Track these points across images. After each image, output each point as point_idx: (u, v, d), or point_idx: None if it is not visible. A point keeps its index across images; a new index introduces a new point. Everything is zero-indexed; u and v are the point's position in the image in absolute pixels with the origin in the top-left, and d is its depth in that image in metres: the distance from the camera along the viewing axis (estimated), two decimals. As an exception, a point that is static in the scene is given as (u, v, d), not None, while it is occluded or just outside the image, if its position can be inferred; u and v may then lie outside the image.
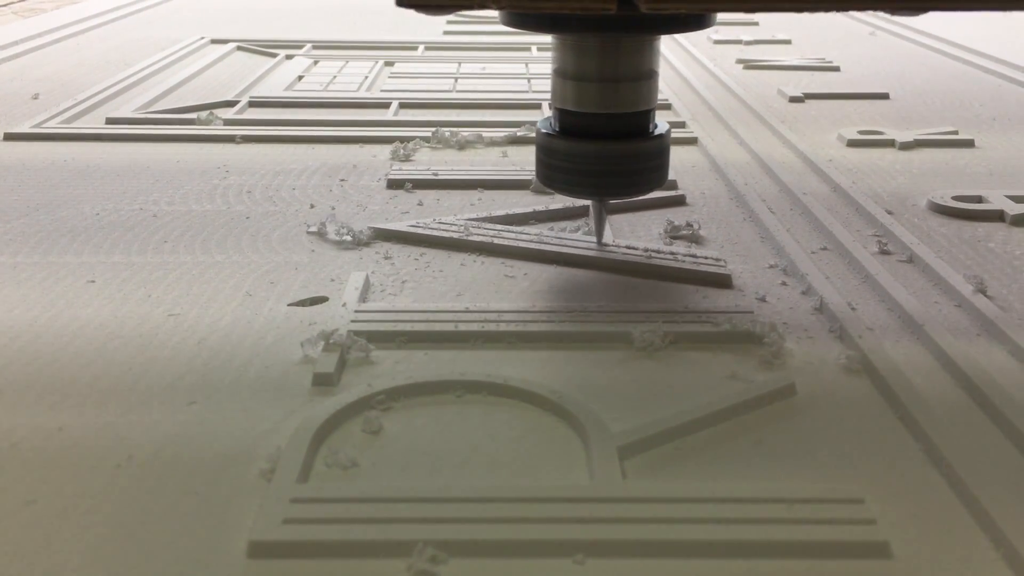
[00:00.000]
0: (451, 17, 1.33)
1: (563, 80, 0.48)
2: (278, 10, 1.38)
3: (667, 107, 0.85)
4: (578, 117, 0.47)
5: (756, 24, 1.29)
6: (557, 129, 0.49)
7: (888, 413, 0.37)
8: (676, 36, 1.18)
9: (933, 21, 1.25)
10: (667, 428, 0.36)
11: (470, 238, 0.53)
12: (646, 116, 0.48)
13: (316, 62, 1.03)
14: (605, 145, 0.47)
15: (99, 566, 0.29)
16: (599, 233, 0.52)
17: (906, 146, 0.73)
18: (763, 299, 0.47)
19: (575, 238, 0.54)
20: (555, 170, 0.49)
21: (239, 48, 1.10)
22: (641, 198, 0.60)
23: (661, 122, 0.49)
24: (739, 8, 0.40)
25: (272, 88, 0.90)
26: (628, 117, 0.47)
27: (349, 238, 0.54)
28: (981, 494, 0.32)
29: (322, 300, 0.47)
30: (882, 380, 0.39)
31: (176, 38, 1.14)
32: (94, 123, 0.78)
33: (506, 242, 0.53)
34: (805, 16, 1.36)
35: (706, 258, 0.51)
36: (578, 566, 0.29)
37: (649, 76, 0.47)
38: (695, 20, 0.46)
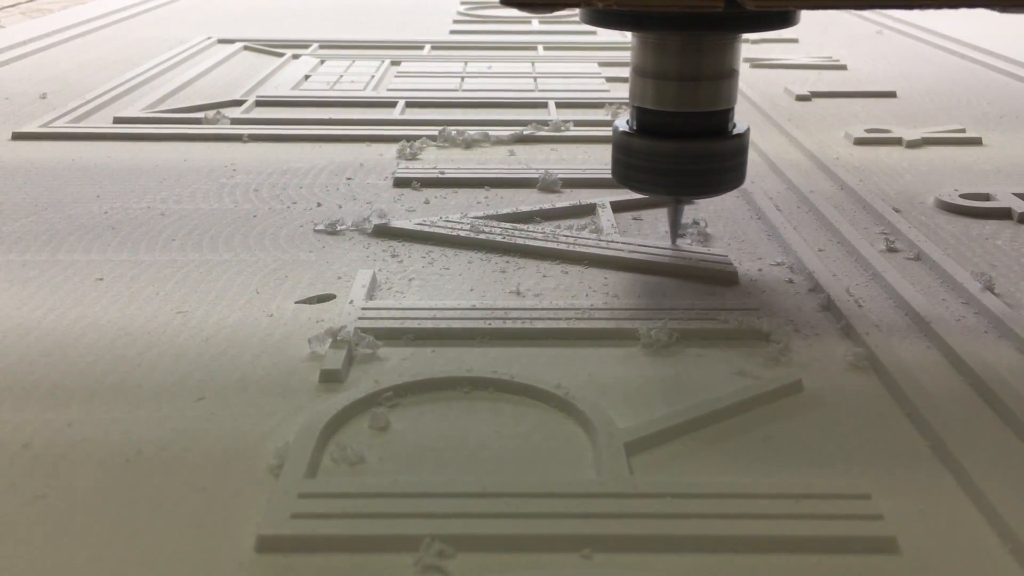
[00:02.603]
0: (456, 16, 1.33)
1: (642, 79, 0.47)
2: (284, 10, 1.38)
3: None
4: (657, 115, 0.47)
5: (763, 23, 1.28)
6: (635, 127, 0.48)
7: (895, 409, 0.37)
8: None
9: (940, 19, 1.25)
10: (674, 424, 0.36)
11: (477, 236, 0.54)
12: (726, 115, 0.48)
13: (322, 61, 1.03)
14: (684, 144, 0.47)
15: (108, 560, 0.29)
16: (673, 233, 0.52)
17: (913, 144, 0.73)
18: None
19: (581, 236, 0.54)
20: (632, 168, 0.48)
21: (246, 48, 1.10)
22: (648, 197, 0.60)
23: (740, 121, 0.49)
24: (849, 5, 0.38)
25: (279, 87, 0.91)
26: (708, 116, 0.47)
27: (356, 235, 0.54)
28: (988, 489, 0.32)
29: (329, 297, 0.47)
30: (889, 377, 0.39)
31: (183, 38, 1.14)
32: (102, 122, 0.79)
33: (512, 240, 0.53)
34: (812, 14, 1.36)
35: (713, 256, 0.51)
36: (585, 560, 0.29)
37: (730, 75, 0.47)
38: (780, 18, 0.45)
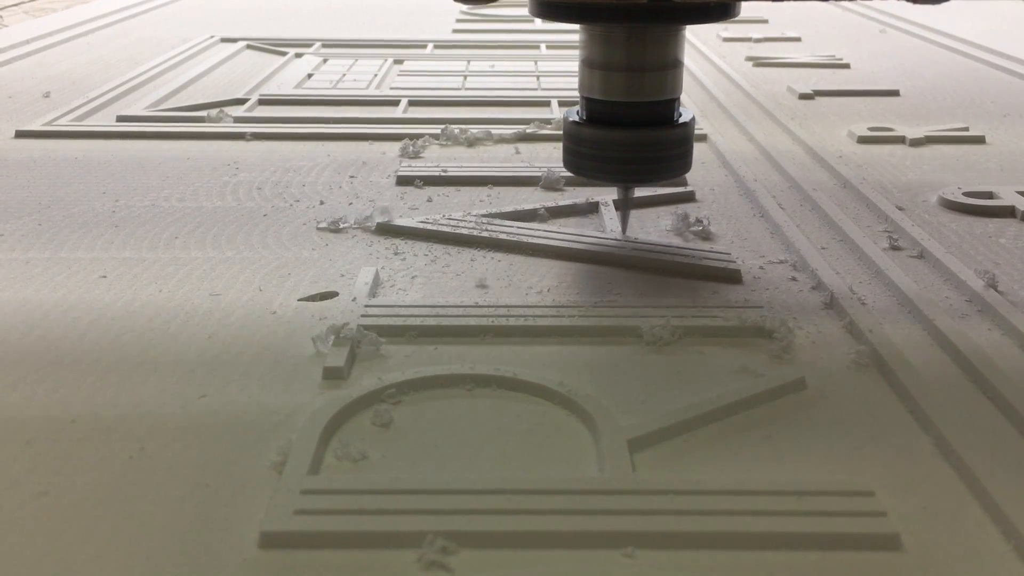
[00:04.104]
0: (460, 15, 1.33)
1: (590, 70, 0.49)
2: (287, 9, 1.38)
3: (676, 104, 0.85)
4: (605, 105, 0.49)
5: (766, 22, 1.28)
6: (584, 117, 0.50)
7: (898, 406, 0.37)
8: (686, 33, 1.18)
9: (943, 18, 1.25)
10: (677, 421, 0.36)
11: (480, 234, 0.54)
12: (671, 104, 0.49)
13: (325, 60, 1.03)
14: (631, 133, 0.48)
15: (111, 557, 0.29)
16: (624, 220, 0.54)
17: (916, 142, 0.73)
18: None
19: (584, 234, 0.54)
20: (582, 157, 0.50)
21: (249, 47, 1.10)
22: (651, 194, 0.60)
23: (686, 110, 0.51)
24: None
25: (282, 86, 0.91)
26: (654, 105, 0.49)
27: (359, 233, 0.54)
28: (991, 486, 0.31)
29: (332, 295, 0.47)
30: (892, 374, 0.39)
31: (186, 37, 1.14)
32: (105, 121, 0.79)
33: (515, 237, 0.53)
34: (815, 13, 1.36)
35: (716, 253, 0.51)
36: (588, 557, 0.29)
37: (674, 65, 0.49)
38: (720, 10, 0.47)
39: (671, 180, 0.61)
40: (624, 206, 0.53)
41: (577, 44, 0.50)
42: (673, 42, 0.48)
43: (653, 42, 0.47)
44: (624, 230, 0.54)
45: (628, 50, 0.47)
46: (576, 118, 0.50)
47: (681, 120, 0.50)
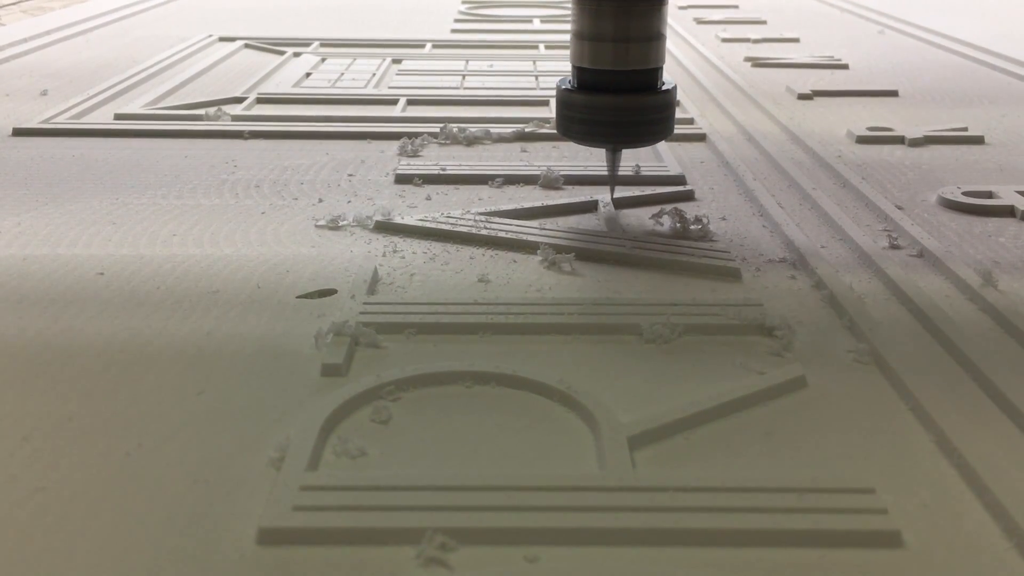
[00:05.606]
0: (458, 15, 1.33)
1: (581, 41, 0.53)
2: (285, 8, 1.38)
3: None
4: (594, 74, 0.53)
5: (764, 23, 1.28)
6: (575, 85, 0.54)
7: (898, 404, 0.37)
8: (683, 33, 1.18)
9: (942, 18, 1.25)
10: (677, 419, 0.36)
11: (478, 232, 0.53)
12: (655, 73, 0.53)
13: (324, 59, 1.03)
14: (618, 98, 0.53)
15: (108, 553, 0.29)
16: (612, 181, 0.57)
17: (915, 142, 0.73)
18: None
19: (583, 231, 0.54)
20: (573, 121, 0.54)
21: (247, 46, 1.10)
22: (650, 193, 0.61)
23: (668, 79, 0.55)
24: None
25: (280, 85, 0.91)
26: (639, 74, 0.53)
27: (358, 230, 0.54)
28: (992, 484, 0.31)
29: (331, 292, 0.47)
30: (892, 372, 0.39)
31: (184, 35, 1.14)
32: (103, 119, 0.78)
33: (514, 235, 0.53)
34: (814, 14, 1.36)
35: (716, 251, 0.51)
36: (588, 554, 0.29)
37: (657, 37, 0.53)
38: None
39: (669, 183, 0.63)
40: (612, 169, 0.56)
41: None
42: (656, 16, 0.52)
43: (638, 16, 0.51)
44: (612, 194, 0.57)
45: (615, 22, 0.51)
46: (568, 86, 0.54)
47: (664, 88, 0.54)
